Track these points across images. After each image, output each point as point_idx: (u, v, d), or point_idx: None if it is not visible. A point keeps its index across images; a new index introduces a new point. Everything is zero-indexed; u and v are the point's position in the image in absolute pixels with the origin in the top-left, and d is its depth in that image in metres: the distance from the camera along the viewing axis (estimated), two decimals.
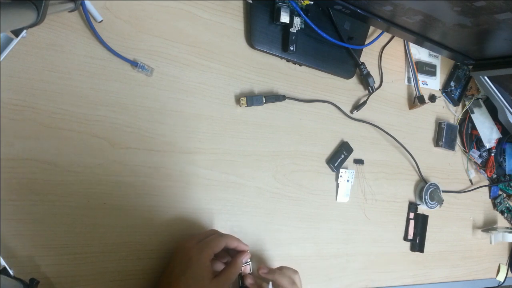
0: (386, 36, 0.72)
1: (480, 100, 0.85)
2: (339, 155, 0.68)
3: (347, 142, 0.69)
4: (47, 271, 0.46)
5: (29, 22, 0.37)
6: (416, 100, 0.76)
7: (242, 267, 0.54)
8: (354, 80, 0.70)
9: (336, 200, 0.68)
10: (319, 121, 0.66)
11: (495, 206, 0.92)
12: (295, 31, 0.59)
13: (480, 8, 0.50)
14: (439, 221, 0.82)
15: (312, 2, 0.56)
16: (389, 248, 0.75)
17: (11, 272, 0.42)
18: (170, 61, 0.54)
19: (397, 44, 0.76)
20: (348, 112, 0.70)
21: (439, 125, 0.81)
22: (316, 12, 0.63)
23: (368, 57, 0.72)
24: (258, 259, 0.60)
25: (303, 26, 0.59)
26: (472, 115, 0.84)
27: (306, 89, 0.65)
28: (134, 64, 0.51)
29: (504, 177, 0.90)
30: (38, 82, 0.46)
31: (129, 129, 0.51)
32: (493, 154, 0.88)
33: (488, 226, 0.90)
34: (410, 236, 0.77)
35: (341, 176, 0.68)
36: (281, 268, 0.55)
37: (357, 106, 0.70)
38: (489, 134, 0.84)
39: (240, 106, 0.58)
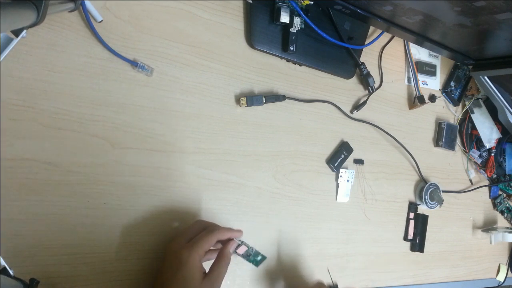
0: (386, 36, 0.72)
1: (480, 100, 0.85)
2: (339, 155, 0.68)
3: (347, 142, 0.69)
4: (47, 271, 0.46)
5: (29, 22, 0.37)
6: (416, 100, 0.76)
7: (237, 250, 0.53)
8: (354, 80, 0.70)
9: (336, 200, 0.68)
10: (319, 121, 0.66)
11: (495, 206, 0.92)
12: (295, 31, 0.59)
13: (480, 8, 0.50)
14: (439, 221, 0.82)
15: (312, 2, 0.56)
16: (389, 248, 0.75)
17: (11, 272, 0.42)
18: (170, 61, 0.54)
19: (397, 44, 0.76)
20: (348, 112, 0.70)
21: (439, 125, 0.81)
22: (316, 12, 0.63)
23: (368, 57, 0.72)
24: None
25: (303, 26, 0.59)
26: (472, 115, 0.84)
27: (306, 89, 0.65)
28: (134, 64, 0.51)
29: (504, 177, 0.90)
30: (38, 82, 0.46)
31: (129, 129, 0.51)
32: (493, 154, 0.88)
33: (488, 226, 0.90)
34: (410, 236, 0.77)
35: (341, 176, 0.68)
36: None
37: (357, 106, 0.70)
38: (489, 134, 0.84)
39: (240, 106, 0.58)
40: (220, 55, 0.58)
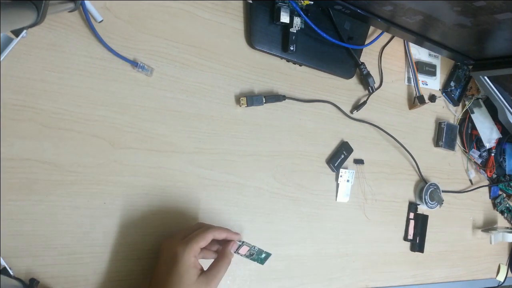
0: (386, 36, 0.72)
1: (480, 100, 0.85)
2: (339, 155, 0.68)
3: (347, 142, 0.69)
4: (47, 271, 0.46)
5: (29, 22, 0.37)
6: (416, 100, 0.76)
7: (239, 251, 0.52)
8: (354, 80, 0.70)
9: (336, 200, 0.68)
10: (319, 121, 0.66)
11: (495, 206, 0.92)
12: (295, 31, 0.59)
13: (480, 8, 0.50)
14: (439, 221, 0.82)
15: (312, 2, 0.56)
16: (389, 248, 0.75)
17: (11, 272, 0.42)
18: (170, 61, 0.54)
19: (397, 44, 0.76)
20: (348, 112, 0.70)
21: (439, 125, 0.81)
22: (316, 12, 0.62)
23: (368, 57, 0.72)
24: None
25: (303, 26, 0.59)
26: (472, 115, 0.84)
27: (306, 89, 0.65)
28: (134, 64, 0.51)
29: (504, 177, 0.90)
30: (38, 82, 0.46)
31: (129, 129, 0.51)
32: (493, 154, 0.88)
33: (488, 226, 0.90)
34: (410, 236, 0.76)
35: (341, 176, 0.68)
36: None
37: (357, 106, 0.70)
38: (489, 134, 0.84)
39: (240, 106, 0.58)
40: (220, 55, 0.58)
